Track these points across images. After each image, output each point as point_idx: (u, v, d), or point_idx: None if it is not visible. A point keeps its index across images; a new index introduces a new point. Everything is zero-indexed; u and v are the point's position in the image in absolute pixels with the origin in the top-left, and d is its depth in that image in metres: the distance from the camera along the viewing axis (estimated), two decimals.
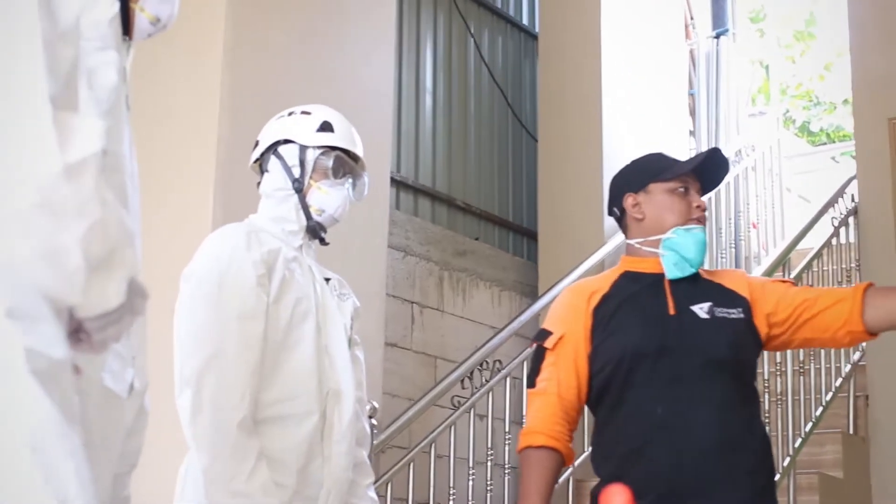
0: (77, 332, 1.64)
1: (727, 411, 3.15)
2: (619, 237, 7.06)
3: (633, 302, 3.24)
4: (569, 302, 3.30)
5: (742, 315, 3.24)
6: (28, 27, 1.67)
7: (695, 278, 3.29)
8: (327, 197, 3.39)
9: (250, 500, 3.05)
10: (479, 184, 7.85)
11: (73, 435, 1.54)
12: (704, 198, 3.39)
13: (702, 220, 3.30)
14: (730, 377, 3.19)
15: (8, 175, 1.56)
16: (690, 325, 3.19)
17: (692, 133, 9.22)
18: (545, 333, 3.26)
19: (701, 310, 3.22)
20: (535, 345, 3.30)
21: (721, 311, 3.23)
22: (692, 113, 9.30)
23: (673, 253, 3.25)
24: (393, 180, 6.63)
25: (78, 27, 1.83)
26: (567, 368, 3.20)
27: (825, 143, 15.09)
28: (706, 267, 3.37)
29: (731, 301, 3.26)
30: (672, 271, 3.25)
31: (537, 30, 8.29)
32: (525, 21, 8.51)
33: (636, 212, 3.32)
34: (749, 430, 3.20)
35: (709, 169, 3.35)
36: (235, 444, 3.07)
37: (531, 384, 3.24)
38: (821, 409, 6.64)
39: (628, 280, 3.29)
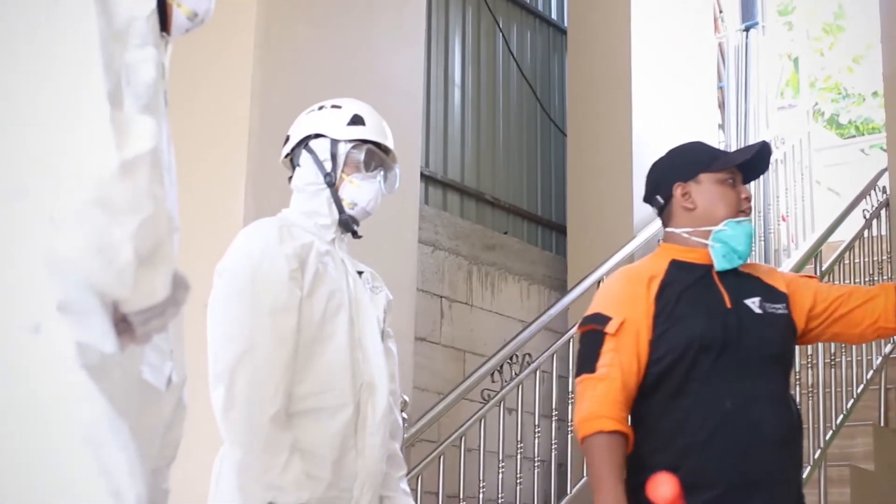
0: (118, 324, 1.66)
1: (784, 406, 3.19)
2: (648, 231, 7.07)
3: (692, 292, 3.22)
4: (626, 287, 3.25)
5: (785, 311, 3.26)
6: (83, 26, 1.69)
7: (736, 271, 3.30)
8: (359, 190, 3.39)
9: (283, 493, 3.06)
10: (508, 178, 7.85)
11: (124, 428, 1.56)
12: None
13: (748, 212, 3.30)
14: (781, 372, 3.24)
15: (64, 171, 1.58)
16: (747, 320, 3.20)
17: (721, 126, 9.20)
18: (604, 318, 3.19)
19: (754, 304, 3.23)
20: (589, 329, 3.23)
21: (770, 307, 3.25)
22: (721, 106, 9.28)
23: (722, 245, 3.24)
24: (422, 175, 6.63)
25: (130, 26, 1.85)
26: (629, 354, 3.14)
27: (854, 136, 15.03)
28: None
29: (775, 297, 3.27)
30: (721, 263, 3.24)
31: (566, 24, 8.29)
32: (554, 16, 8.50)
33: (686, 201, 3.29)
34: (798, 424, 3.24)
35: (752, 161, 3.34)
36: (268, 438, 3.08)
37: (591, 369, 3.15)
38: (852, 401, 6.63)
39: (679, 269, 3.27)
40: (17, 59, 1.65)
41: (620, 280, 3.30)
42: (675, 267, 3.27)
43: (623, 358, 3.14)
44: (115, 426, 1.54)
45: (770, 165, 3.92)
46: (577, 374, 3.22)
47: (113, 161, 1.60)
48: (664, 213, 3.37)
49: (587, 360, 3.19)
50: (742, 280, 3.29)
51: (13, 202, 1.59)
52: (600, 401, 3.12)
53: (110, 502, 1.45)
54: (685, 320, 3.17)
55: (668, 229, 3.36)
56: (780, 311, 3.25)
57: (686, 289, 3.22)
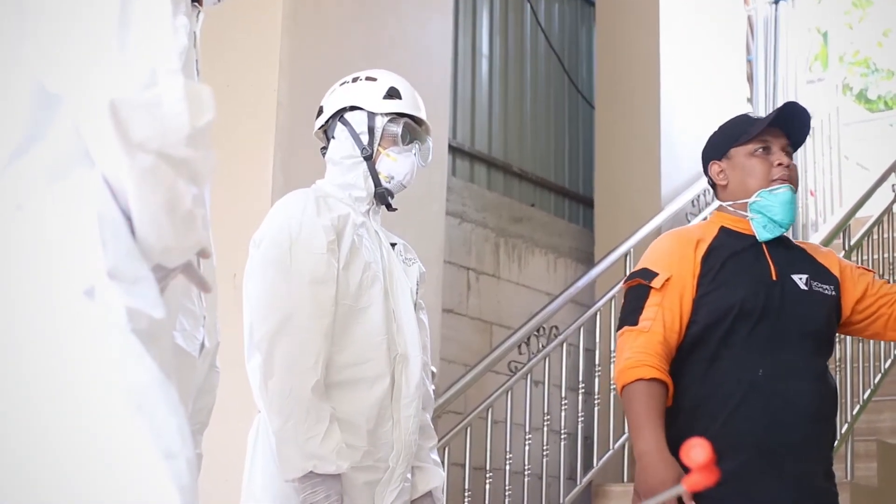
0: None
1: (820, 382, 3.20)
2: (676, 204, 7.08)
3: (738, 260, 3.23)
4: (674, 247, 3.27)
5: (833, 293, 3.27)
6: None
7: (788, 245, 3.31)
8: (396, 164, 3.40)
9: (324, 461, 3.08)
10: (535, 150, 7.83)
11: (174, 392, 1.57)
12: None
13: (788, 179, 3.27)
14: (821, 350, 3.25)
15: (134, 136, 1.60)
16: (791, 294, 3.21)
17: (750, 100, 9.15)
18: (650, 273, 3.21)
19: (800, 280, 3.24)
20: (634, 283, 3.25)
21: (817, 285, 3.25)
22: (750, 79, 9.22)
23: (761, 216, 3.25)
24: (449, 147, 6.62)
25: None
26: (672, 311, 3.16)
27: (883, 111, 14.93)
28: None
29: (825, 277, 3.28)
30: (762, 234, 3.25)
31: None
32: None
33: (720, 179, 3.33)
34: (834, 402, 3.26)
35: (792, 122, 3.32)
36: (309, 407, 3.09)
37: (633, 322, 3.17)
38: (879, 375, 6.61)
39: (728, 236, 3.29)
40: (95, 32, 1.68)
41: (669, 239, 3.33)
42: (725, 233, 3.29)
43: (666, 313, 3.16)
44: (166, 390, 1.55)
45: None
46: (619, 326, 3.24)
47: (184, 128, 1.63)
48: (714, 189, 3.42)
49: (631, 313, 3.21)
50: (793, 254, 3.30)
51: (76, 167, 1.60)
52: (641, 350, 3.13)
53: (163, 465, 1.46)
54: (728, 285, 3.18)
55: (718, 203, 3.41)
56: (827, 293, 3.26)
57: (733, 255, 3.24)
